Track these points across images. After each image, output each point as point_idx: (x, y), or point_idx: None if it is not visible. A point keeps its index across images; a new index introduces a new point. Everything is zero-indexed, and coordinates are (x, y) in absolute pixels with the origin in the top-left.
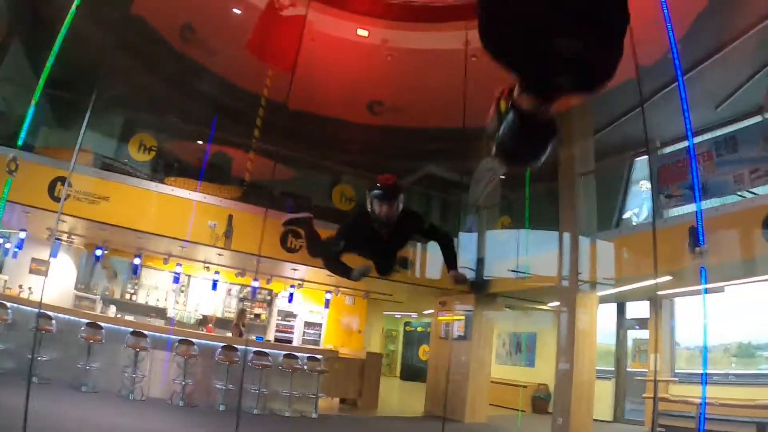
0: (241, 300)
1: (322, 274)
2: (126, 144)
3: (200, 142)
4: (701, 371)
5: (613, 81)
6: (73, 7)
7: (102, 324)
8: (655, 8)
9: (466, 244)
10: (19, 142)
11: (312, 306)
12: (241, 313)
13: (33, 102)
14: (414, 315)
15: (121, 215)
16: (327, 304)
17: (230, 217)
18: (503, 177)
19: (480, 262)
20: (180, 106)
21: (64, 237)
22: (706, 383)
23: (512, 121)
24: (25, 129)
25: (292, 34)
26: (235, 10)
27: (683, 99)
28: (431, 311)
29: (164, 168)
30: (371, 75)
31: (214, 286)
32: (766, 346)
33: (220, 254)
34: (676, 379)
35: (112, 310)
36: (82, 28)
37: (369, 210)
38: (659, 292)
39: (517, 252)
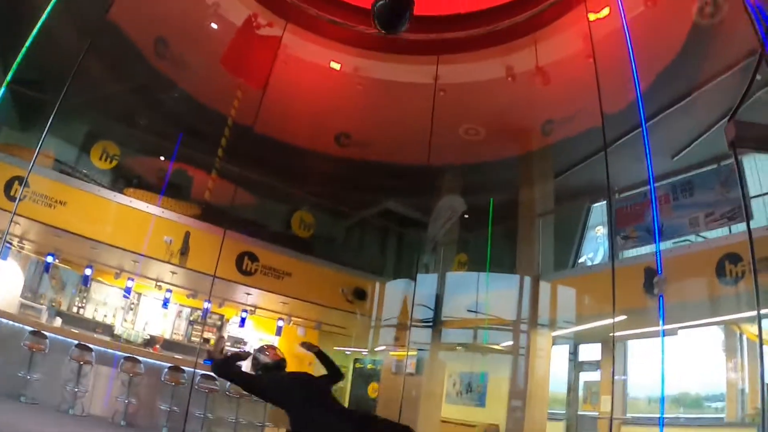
0: (192, 323)
1: (275, 301)
2: (87, 154)
3: (162, 158)
4: (652, 415)
5: (576, 129)
6: (49, 7)
7: (47, 333)
8: (623, 62)
9: (423, 282)
10: None
11: (262, 334)
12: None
13: None
14: (365, 351)
15: (77, 222)
16: (279, 331)
17: (187, 234)
18: (466, 216)
19: (437, 299)
20: (146, 120)
21: (15, 241)
22: (663, 424)
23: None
24: None
25: (266, 54)
26: (213, 25)
27: (646, 143)
28: (383, 347)
29: (124, 180)
30: (340, 104)
31: (165, 304)
32: (713, 398)
33: (173, 272)
34: (629, 416)
35: (57, 322)
36: (57, 29)
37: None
38: (613, 334)
39: (476, 290)
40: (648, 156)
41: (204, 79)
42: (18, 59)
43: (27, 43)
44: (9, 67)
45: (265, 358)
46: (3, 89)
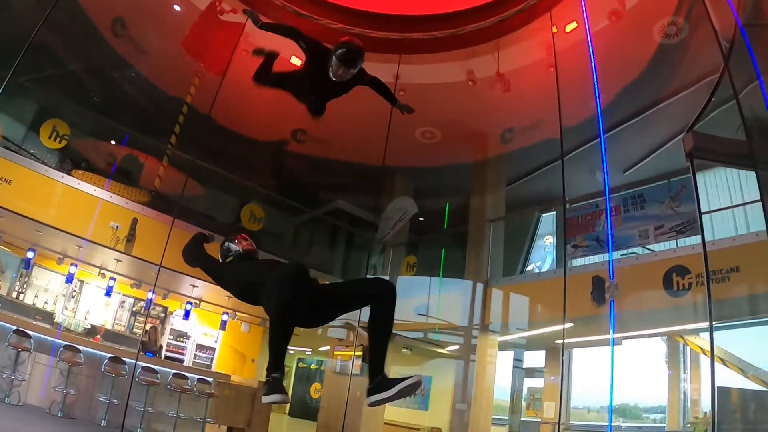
0: (134, 314)
1: (221, 295)
2: (36, 133)
3: (113, 142)
4: (594, 423)
5: (533, 139)
6: None
7: None
8: (585, 74)
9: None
10: None
11: (206, 329)
12: (153, 330)
13: None
14: (308, 351)
15: (22, 202)
16: (223, 325)
17: (134, 221)
18: (420, 219)
19: None
20: (99, 102)
21: None
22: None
23: None
24: None
25: (227, 41)
26: (176, 7)
27: (603, 155)
28: (327, 348)
29: (72, 161)
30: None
31: (109, 293)
32: (653, 409)
33: (118, 260)
34: (572, 423)
35: None
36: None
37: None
38: (559, 341)
39: (428, 293)
40: (605, 166)
41: (162, 63)
42: None
43: None
44: None
45: (234, 246)
46: None
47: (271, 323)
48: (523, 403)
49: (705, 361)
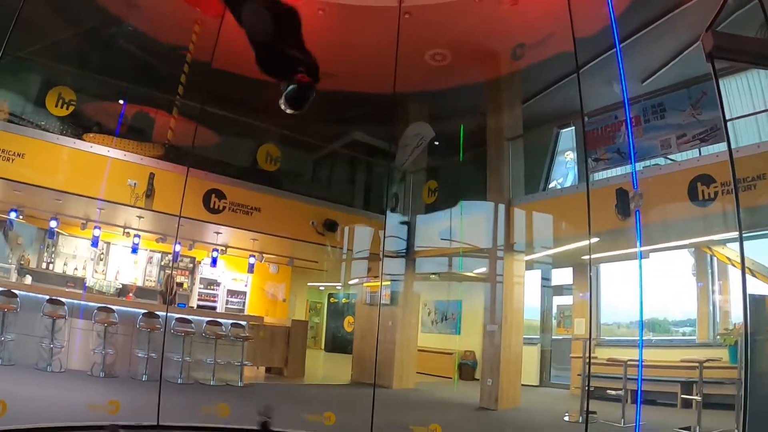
0: (163, 268)
1: (246, 239)
2: (42, 104)
3: (121, 102)
4: (625, 337)
5: (545, 53)
6: None
7: (16, 292)
8: None
9: (393, 213)
10: None
11: (235, 274)
12: (168, 278)
13: None
14: (339, 286)
15: (38, 174)
16: (251, 268)
17: (151, 176)
18: (436, 143)
19: (409, 229)
20: (101, 63)
21: None
22: (642, 345)
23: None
24: None
25: None
26: None
27: (620, 65)
28: (356, 280)
29: (83, 126)
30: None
31: (135, 250)
32: (682, 323)
33: (140, 216)
34: (605, 338)
35: (28, 280)
36: None
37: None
38: (585, 257)
39: (450, 217)
40: (622, 77)
41: (156, 13)
42: None
43: None
44: None
45: None
46: None
47: None
48: (554, 321)
49: (733, 271)
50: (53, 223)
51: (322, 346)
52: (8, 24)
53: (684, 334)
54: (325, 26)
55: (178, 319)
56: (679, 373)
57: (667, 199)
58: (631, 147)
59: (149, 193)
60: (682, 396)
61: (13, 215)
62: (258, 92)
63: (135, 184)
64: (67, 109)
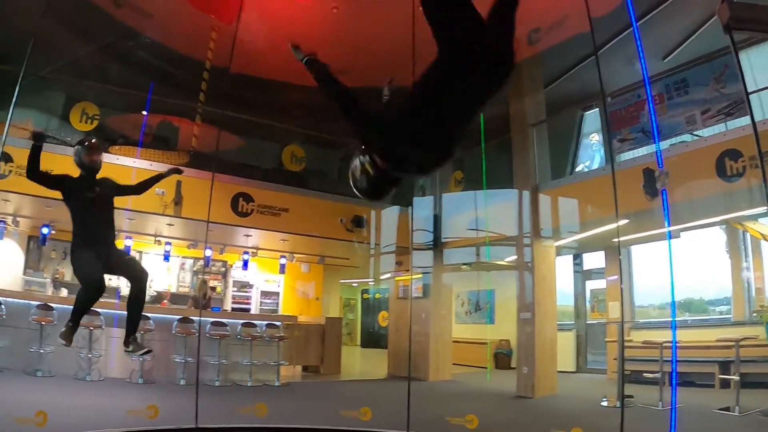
0: (195, 273)
1: (276, 240)
2: (67, 120)
3: (144, 113)
4: (660, 319)
5: (562, 36)
6: None
7: (53, 305)
8: None
9: (420, 204)
10: None
11: (267, 275)
12: (203, 283)
13: None
14: (371, 281)
15: None
16: (282, 269)
17: (178, 184)
18: None
19: (436, 221)
20: (121, 77)
21: (9, 220)
22: (675, 326)
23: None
24: None
25: None
26: None
27: (638, 41)
28: (387, 275)
29: (108, 139)
30: (316, 31)
31: (167, 258)
32: (718, 302)
33: (170, 224)
34: (640, 320)
35: (63, 293)
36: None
37: None
38: (616, 240)
39: (475, 207)
40: (641, 55)
41: (172, 25)
42: None
43: None
44: None
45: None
46: None
47: None
48: (587, 306)
49: (767, 246)
50: None
51: (358, 342)
52: (23, 41)
53: (720, 312)
54: (339, 23)
55: (213, 323)
56: (716, 353)
57: (695, 176)
58: (654, 125)
59: (177, 201)
60: (720, 376)
61: (45, 230)
62: (278, 94)
63: (163, 192)
64: (92, 123)
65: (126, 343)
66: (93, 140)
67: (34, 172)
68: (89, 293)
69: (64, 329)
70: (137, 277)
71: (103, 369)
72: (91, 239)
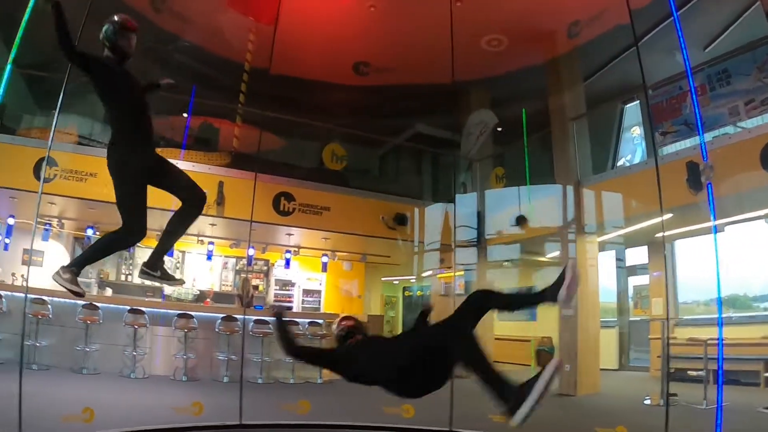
0: (238, 272)
1: (317, 238)
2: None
3: (185, 115)
4: (704, 316)
5: (600, 29)
6: None
7: (98, 304)
8: None
9: (462, 201)
10: None
11: (309, 273)
12: (245, 282)
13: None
14: (413, 279)
15: (111, 191)
16: (324, 267)
17: (221, 184)
18: (499, 129)
19: (479, 217)
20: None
21: (54, 222)
22: (722, 323)
23: None
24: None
25: None
26: None
27: (679, 31)
28: (429, 272)
29: None
30: (355, 30)
31: (210, 257)
32: (762, 298)
33: (213, 224)
34: (684, 317)
35: (108, 292)
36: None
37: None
38: (659, 235)
39: (518, 203)
40: (682, 45)
41: (211, 28)
42: (18, 37)
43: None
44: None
45: (338, 331)
46: (8, 69)
47: None
48: (630, 303)
49: None
50: None
51: None
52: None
53: (765, 309)
54: (377, 22)
55: (256, 321)
56: (762, 350)
57: (740, 169)
58: (698, 117)
59: (220, 201)
60: (766, 374)
61: (90, 232)
62: (318, 94)
63: (205, 193)
64: None
65: (152, 266)
66: (128, 19)
67: (65, 42)
68: (128, 211)
69: (67, 274)
70: (199, 194)
71: (148, 367)
72: (142, 134)
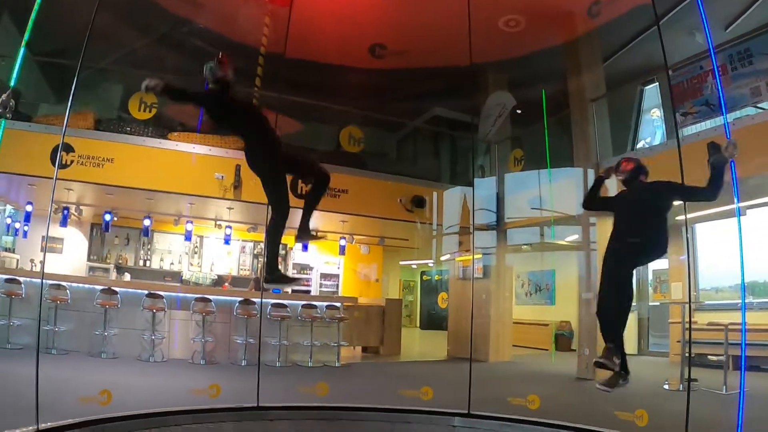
0: (256, 256)
1: (335, 221)
2: (126, 110)
3: None
4: (725, 301)
5: (621, 8)
6: None
7: (117, 289)
8: None
9: (481, 185)
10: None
11: (327, 257)
12: (263, 266)
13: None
14: (431, 263)
15: (128, 176)
16: (342, 250)
17: (237, 167)
18: (518, 111)
19: (498, 200)
20: (176, 66)
21: (73, 208)
22: (745, 308)
23: None
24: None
25: None
26: None
27: (701, 10)
28: (447, 256)
29: (166, 127)
30: (371, 12)
31: (227, 241)
32: None
33: (230, 208)
34: (704, 302)
35: (126, 277)
36: None
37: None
38: (679, 217)
39: (538, 186)
40: (704, 22)
41: (226, 11)
42: (29, 25)
43: (35, 9)
44: (31, 44)
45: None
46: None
47: None
48: (649, 287)
49: None
50: (147, 222)
51: (417, 324)
52: (78, 35)
53: None
54: (393, 3)
55: (274, 305)
56: None
57: (763, 151)
58: (721, 97)
59: (237, 185)
60: None
61: (108, 217)
62: (334, 76)
63: (222, 177)
64: (150, 111)
65: (305, 231)
66: (222, 54)
67: (180, 95)
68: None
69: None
70: (324, 174)
71: (166, 351)
72: (265, 139)
